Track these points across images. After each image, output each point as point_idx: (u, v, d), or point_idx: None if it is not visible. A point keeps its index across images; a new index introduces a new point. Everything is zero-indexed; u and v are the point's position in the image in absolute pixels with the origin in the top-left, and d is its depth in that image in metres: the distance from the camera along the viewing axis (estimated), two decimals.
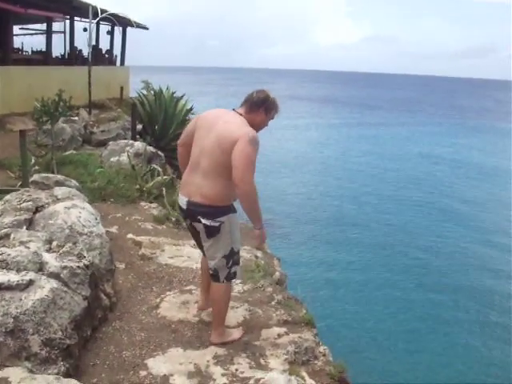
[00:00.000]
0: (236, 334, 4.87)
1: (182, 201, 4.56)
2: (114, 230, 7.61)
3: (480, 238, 21.93)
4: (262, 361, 4.43)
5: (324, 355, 4.86)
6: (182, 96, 18.18)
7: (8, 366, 3.68)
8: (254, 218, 4.38)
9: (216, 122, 4.42)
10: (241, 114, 4.46)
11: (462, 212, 25.97)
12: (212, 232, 4.44)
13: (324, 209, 25.62)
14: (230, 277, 4.66)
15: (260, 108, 4.48)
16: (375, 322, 14.39)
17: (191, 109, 18.13)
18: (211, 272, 4.66)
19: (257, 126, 4.45)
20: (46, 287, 4.04)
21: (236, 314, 5.23)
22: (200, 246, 4.85)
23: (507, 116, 73.01)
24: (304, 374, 4.45)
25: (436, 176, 34.23)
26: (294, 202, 25.86)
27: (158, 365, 4.27)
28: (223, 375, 4.15)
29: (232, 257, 4.58)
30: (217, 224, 4.39)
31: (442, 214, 25.34)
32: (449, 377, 11.88)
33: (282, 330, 5.00)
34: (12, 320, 3.72)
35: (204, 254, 4.87)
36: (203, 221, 4.41)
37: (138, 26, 26.41)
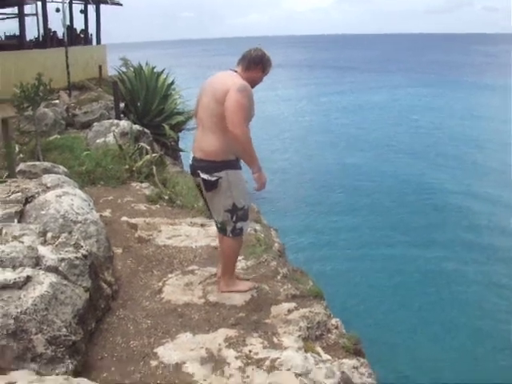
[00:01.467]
0: (243, 285, 5.16)
1: (191, 158, 4.95)
2: (107, 213, 7.44)
3: (470, 189, 22.17)
4: (275, 339, 4.29)
5: (336, 327, 4.78)
6: (163, 71, 17.91)
7: (14, 370, 3.52)
8: (249, 161, 4.68)
9: (212, 81, 4.83)
10: (236, 71, 4.81)
11: (450, 161, 26.40)
12: (210, 186, 4.74)
13: (309, 173, 25.60)
14: (236, 232, 4.91)
15: (258, 65, 4.84)
16: (373, 280, 14.42)
17: (172, 83, 17.89)
18: (219, 226, 4.96)
19: (253, 82, 4.83)
20: (45, 282, 3.86)
21: (243, 293, 5.08)
22: (206, 203, 5.15)
23: (481, 70, 73.21)
24: (319, 349, 4.36)
25: (420, 131, 34.54)
26: (279, 170, 25.72)
27: (168, 353, 4.12)
28: (237, 358, 4.01)
29: (235, 212, 4.81)
30: (213, 179, 4.68)
31: (432, 167, 25.68)
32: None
33: (292, 304, 4.88)
34: (13, 321, 3.54)
35: (211, 214, 5.14)
36: (201, 175, 4.74)
37: (112, 2, 25.96)
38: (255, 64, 4.82)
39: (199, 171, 4.76)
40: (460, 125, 35.07)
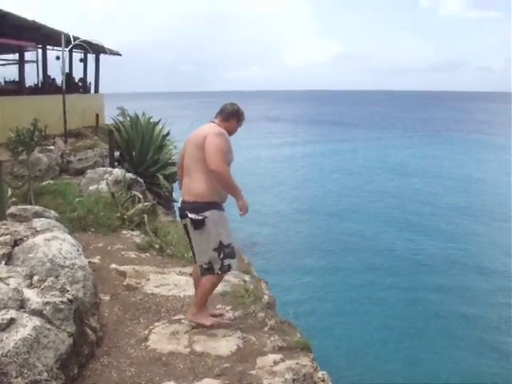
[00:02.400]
0: (208, 320, 5.41)
1: (179, 202, 5.43)
2: (96, 260, 7.39)
3: (451, 245, 22.75)
4: None
5: (323, 380, 4.70)
6: (159, 121, 18.01)
7: None
8: (233, 193, 5.22)
9: (194, 133, 5.40)
10: (214, 122, 5.41)
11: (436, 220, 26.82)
12: (197, 224, 5.16)
13: (302, 228, 25.75)
14: (224, 269, 5.28)
15: (233, 117, 5.50)
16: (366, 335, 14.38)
17: (168, 133, 17.98)
18: (206, 266, 5.26)
19: (229, 132, 5.41)
20: (28, 325, 3.82)
21: (229, 343, 5.03)
22: (192, 246, 5.49)
23: (478, 127, 74.10)
24: None
25: (409, 186, 35.04)
26: (272, 224, 25.82)
27: None
28: None
29: (222, 249, 5.20)
30: (200, 217, 5.12)
31: (420, 225, 25.96)
32: None
33: (278, 356, 4.80)
34: None
35: (195, 259, 5.49)
36: (189, 215, 5.17)
37: (112, 52, 26.17)
38: (231, 116, 5.49)
39: (187, 212, 5.20)
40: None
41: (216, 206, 5.21)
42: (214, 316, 5.65)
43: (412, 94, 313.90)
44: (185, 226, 5.41)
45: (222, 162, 5.01)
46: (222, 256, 5.20)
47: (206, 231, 5.15)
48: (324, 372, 4.79)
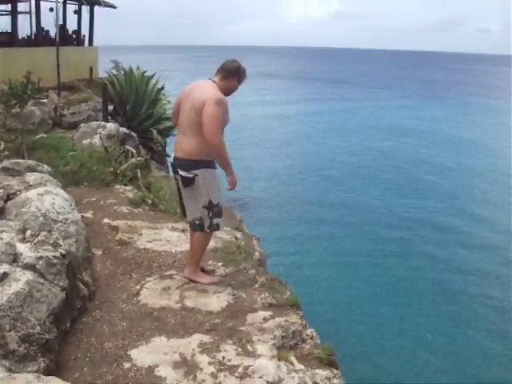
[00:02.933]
0: (205, 279, 5.54)
1: (171, 158, 5.50)
2: (89, 215, 7.42)
3: (449, 207, 22.78)
4: (249, 347, 4.30)
5: (311, 338, 4.77)
6: (153, 75, 17.84)
7: None
8: (223, 165, 5.24)
9: (192, 90, 5.32)
10: (214, 82, 5.29)
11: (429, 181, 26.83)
12: (187, 182, 5.25)
13: (293, 184, 25.99)
14: (213, 227, 5.42)
15: (234, 76, 5.34)
16: (355, 294, 14.52)
17: (162, 88, 17.82)
18: (197, 222, 5.36)
19: (229, 91, 5.37)
20: (21, 280, 3.86)
21: (219, 299, 5.11)
22: (181, 203, 5.64)
23: (476, 89, 73.66)
24: (293, 358, 4.35)
25: (402, 147, 34.81)
26: (264, 179, 25.90)
27: (141, 356, 4.12)
28: (210, 364, 4.02)
29: (211, 208, 5.29)
30: (191, 175, 5.19)
31: (411, 185, 26.20)
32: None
33: (268, 313, 4.88)
34: None
35: (184, 215, 5.66)
36: (180, 172, 5.26)
37: (106, 4, 25.82)
38: (232, 75, 5.33)
39: (178, 169, 5.28)
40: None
41: (207, 164, 5.22)
42: (206, 272, 5.75)
43: (410, 54, 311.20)
44: (176, 181, 5.49)
45: (218, 133, 5.01)
46: (211, 215, 5.30)
47: (196, 189, 5.24)
48: (313, 329, 4.86)
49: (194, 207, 5.38)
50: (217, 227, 5.44)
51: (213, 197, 5.27)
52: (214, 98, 5.04)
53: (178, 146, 5.38)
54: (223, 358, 4.10)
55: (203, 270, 5.74)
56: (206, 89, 5.19)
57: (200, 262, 5.59)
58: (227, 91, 5.32)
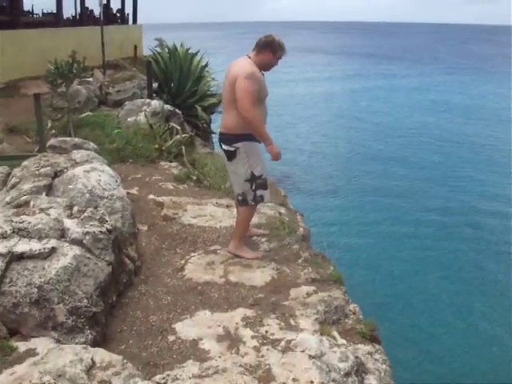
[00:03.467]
0: (249, 254, 5.59)
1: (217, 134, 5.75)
2: (134, 191, 7.52)
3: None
4: (292, 321, 4.34)
5: (354, 313, 4.79)
6: (197, 52, 17.86)
7: (35, 337, 3.63)
8: (260, 137, 5.31)
9: (230, 67, 5.39)
10: (249, 57, 5.36)
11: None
12: (229, 155, 5.41)
13: (339, 161, 25.69)
14: (257, 200, 5.51)
15: (267, 49, 5.35)
16: (399, 274, 14.39)
17: (206, 65, 17.85)
18: (240, 198, 5.50)
19: (266, 65, 5.43)
20: (69, 254, 3.96)
21: (263, 274, 5.15)
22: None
23: None
24: (335, 333, 4.37)
25: (447, 123, 34.15)
26: (310, 156, 25.83)
27: (186, 329, 4.19)
28: (253, 337, 4.06)
29: (254, 180, 5.39)
30: (232, 149, 5.34)
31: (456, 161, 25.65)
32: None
33: (311, 288, 4.90)
34: (36, 290, 3.66)
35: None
36: (223, 146, 5.46)
37: None
38: (264, 48, 5.34)
39: (221, 143, 5.49)
40: None
41: (248, 137, 5.30)
42: (255, 235, 6.10)
43: (456, 27, 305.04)
44: (222, 155, 5.68)
45: (250, 107, 5.09)
46: (253, 187, 5.41)
47: (239, 162, 5.37)
48: (355, 305, 4.88)
49: (236, 182, 5.54)
50: (261, 199, 5.52)
51: (255, 169, 5.37)
52: (245, 72, 5.14)
53: (222, 121, 5.53)
54: (266, 332, 4.14)
55: (251, 236, 6.04)
56: (240, 64, 5.30)
57: (244, 235, 5.68)
58: (264, 65, 5.39)
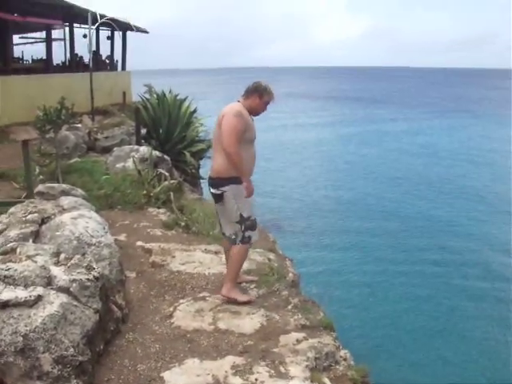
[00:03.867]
0: (243, 297, 5.58)
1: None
2: (122, 237, 7.48)
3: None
4: (282, 368, 4.27)
5: (345, 359, 4.75)
6: (186, 98, 18.01)
7: None
8: (240, 173, 5.32)
9: (221, 112, 5.45)
10: (239, 101, 5.51)
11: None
12: (216, 198, 5.54)
13: (325, 205, 25.84)
14: (245, 240, 5.52)
15: (254, 94, 5.50)
16: (392, 317, 14.35)
17: (195, 110, 17.98)
18: (233, 237, 5.56)
19: (254, 109, 5.56)
20: (55, 302, 3.89)
21: (252, 321, 5.09)
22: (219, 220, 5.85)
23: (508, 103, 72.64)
24: (326, 380, 4.32)
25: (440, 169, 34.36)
26: (297, 199, 25.94)
27: (174, 377, 4.12)
28: None
29: (243, 222, 5.45)
30: (219, 192, 5.44)
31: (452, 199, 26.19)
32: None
33: (301, 335, 4.85)
34: (21, 339, 3.59)
35: (223, 232, 5.81)
36: (211, 189, 5.56)
37: (138, 29, 26.21)
38: (252, 93, 5.51)
39: (210, 187, 5.57)
40: None
41: (236, 180, 5.36)
42: (245, 281, 6.08)
43: (440, 71, 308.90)
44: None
45: (233, 142, 5.18)
46: (243, 228, 5.46)
47: (227, 205, 5.46)
48: (346, 351, 4.84)
49: (227, 223, 5.62)
50: (248, 239, 5.53)
51: (243, 210, 5.43)
52: (234, 110, 5.31)
53: (212, 165, 5.60)
54: (256, 379, 4.08)
55: (240, 282, 5.99)
56: (230, 106, 5.45)
57: (236, 278, 5.66)
58: (252, 110, 5.52)
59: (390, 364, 11.69)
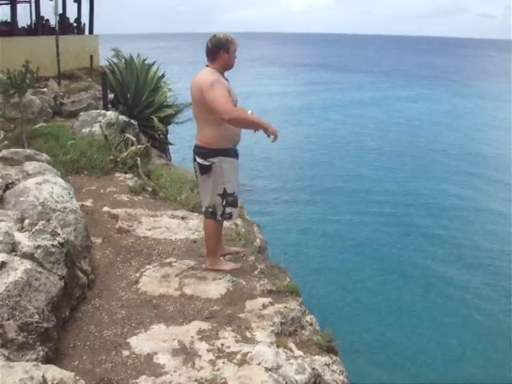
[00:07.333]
0: (227, 265, 5.59)
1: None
2: (89, 203, 7.42)
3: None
4: (247, 334, 4.31)
5: (311, 324, 4.80)
6: (154, 63, 17.77)
7: None
8: (257, 127, 5.20)
9: (193, 83, 5.29)
10: (208, 66, 5.27)
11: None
12: (203, 169, 5.26)
13: (296, 171, 26.00)
14: (225, 216, 5.42)
15: (219, 51, 5.21)
16: (357, 281, 14.49)
17: (163, 75, 17.77)
18: (210, 210, 5.38)
19: (227, 65, 5.31)
20: (19, 269, 3.85)
21: (219, 286, 5.11)
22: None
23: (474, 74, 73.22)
24: (291, 345, 4.37)
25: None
26: (268, 167, 25.92)
27: (140, 343, 4.13)
28: (209, 351, 4.02)
29: (226, 197, 5.30)
30: (207, 163, 5.21)
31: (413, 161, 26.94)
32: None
33: (267, 300, 4.89)
34: None
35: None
36: (198, 159, 5.29)
37: None
38: (216, 52, 5.20)
39: (196, 156, 5.31)
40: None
41: (226, 152, 5.25)
42: (230, 253, 5.98)
43: (413, 39, 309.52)
44: (195, 169, 5.49)
45: (229, 108, 4.93)
46: (224, 203, 5.32)
47: (212, 177, 5.24)
48: (312, 316, 4.88)
49: (208, 195, 5.36)
50: (229, 216, 5.44)
51: (228, 186, 5.27)
52: (207, 82, 5.01)
53: (197, 134, 5.39)
54: (222, 345, 4.10)
55: (225, 255, 5.91)
56: (201, 77, 5.17)
57: (216, 250, 5.55)
58: (225, 67, 5.29)
59: (358, 328, 11.82)
